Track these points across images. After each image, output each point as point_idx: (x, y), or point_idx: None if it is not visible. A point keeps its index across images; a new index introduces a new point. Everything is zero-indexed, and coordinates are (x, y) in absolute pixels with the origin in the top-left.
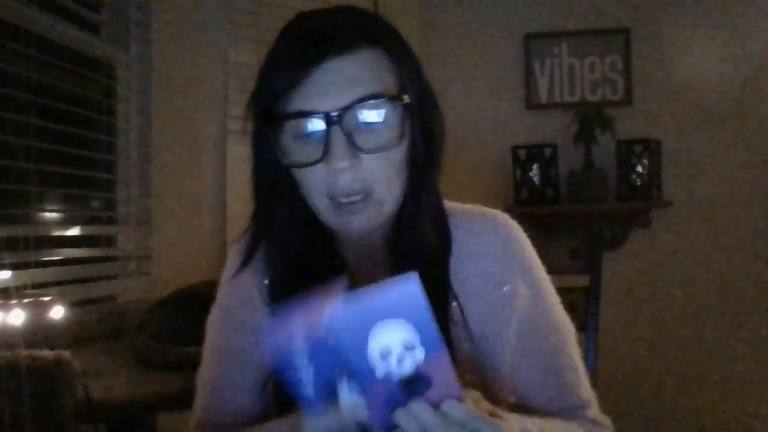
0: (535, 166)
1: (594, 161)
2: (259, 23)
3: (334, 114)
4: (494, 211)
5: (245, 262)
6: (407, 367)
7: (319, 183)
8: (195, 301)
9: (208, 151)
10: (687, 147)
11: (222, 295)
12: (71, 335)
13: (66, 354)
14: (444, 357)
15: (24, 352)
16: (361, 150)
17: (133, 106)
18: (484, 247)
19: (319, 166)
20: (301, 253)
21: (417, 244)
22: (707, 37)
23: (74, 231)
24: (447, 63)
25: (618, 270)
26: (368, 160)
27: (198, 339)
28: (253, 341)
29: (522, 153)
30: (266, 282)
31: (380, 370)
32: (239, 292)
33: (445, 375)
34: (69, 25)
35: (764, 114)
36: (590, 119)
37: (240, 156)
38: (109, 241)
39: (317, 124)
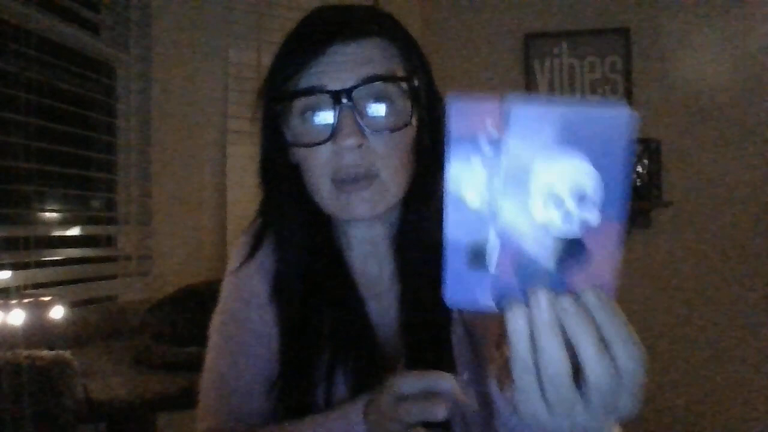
0: None
1: None
2: (259, 23)
3: (343, 92)
4: None
5: (251, 252)
6: (573, 225)
7: (324, 164)
8: (195, 301)
9: (208, 151)
10: (687, 147)
11: (226, 293)
12: (71, 335)
13: (66, 354)
14: (618, 233)
15: (24, 352)
16: (368, 130)
17: (133, 106)
18: None
19: (326, 146)
20: (306, 249)
21: (422, 243)
22: (707, 37)
23: (74, 231)
24: (447, 63)
25: (618, 270)
26: (375, 142)
27: (198, 339)
28: (259, 342)
29: None
30: (270, 279)
31: (536, 213)
32: (244, 290)
33: (608, 257)
34: (69, 25)
35: (764, 114)
36: None
37: (240, 156)
38: (109, 241)
39: (326, 104)
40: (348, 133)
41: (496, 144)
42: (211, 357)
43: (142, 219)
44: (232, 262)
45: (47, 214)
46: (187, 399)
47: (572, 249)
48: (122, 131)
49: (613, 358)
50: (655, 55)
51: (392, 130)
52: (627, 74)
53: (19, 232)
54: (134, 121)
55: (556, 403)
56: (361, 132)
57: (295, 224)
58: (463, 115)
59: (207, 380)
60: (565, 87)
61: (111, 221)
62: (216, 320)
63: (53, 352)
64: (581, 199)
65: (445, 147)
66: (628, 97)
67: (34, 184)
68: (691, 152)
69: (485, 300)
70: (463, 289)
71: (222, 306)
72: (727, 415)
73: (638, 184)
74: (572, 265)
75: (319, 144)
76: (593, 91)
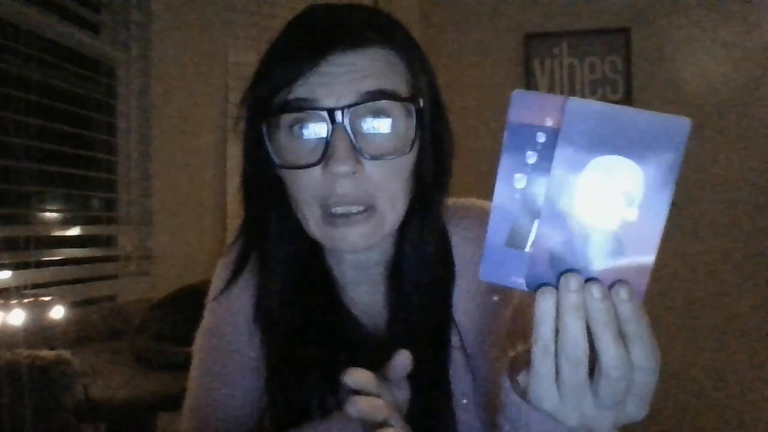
0: None
1: None
2: (259, 23)
3: (339, 110)
4: (485, 207)
5: (233, 278)
6: (612, 221)
7: (313, 189)
8: (195, 301)
9: (208, 151)
10: (687, 147)
11: (210, 315)
12: (71, 335)
13: (66, 354)
14: (655, 237)
15: (24, 352)
16: (366, 155)
17: (133, 106)
18: (476, 252)
19: (316, 169)
20: (291, 270)
21: (419, 271)
22: (708, 37)
23: (74, 231)
24: (447, 63)
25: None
26: (373, 168)
27: None
28: (247, 366)
29: None
30: (255, 300)
31: (579, 207)
32: (228, 311)
33: (642, 258)
34: (69, 25)
35: (764, 114)
36: None
37: (240, 156)
38: (109, 241)
39: (319, 121)
40: (342, 158)
41: (552, 135)
42: (191, 378)
43: (142, 219)
44: (214, 289)
45: (47, 214)
46: None
47: (609, 243)
48: (122, 131)
49: (629, 354)
50: (655, 55)
51: (393, 156)
52: (627, 74)
53: (19, 232)
54: (134, 121)
55: (568, 390)
56: (357, 157)
57: (280, 244)
58: (523, 104)
59: (188, 404)
60: (565, 87)
61: (111, 221)
62: (198, 340)
63: (53, 352)
64: (625, 197)
65: (503, 133)
66: (628, 97)
67: (34, 184)
68: (691, 152)
69: (517, 278)
70: (497, 264)
71: (203, 326)
72: (726, 414)
73: None
74: (606, 259)
75: (307, 167)
76: (593, 92)
